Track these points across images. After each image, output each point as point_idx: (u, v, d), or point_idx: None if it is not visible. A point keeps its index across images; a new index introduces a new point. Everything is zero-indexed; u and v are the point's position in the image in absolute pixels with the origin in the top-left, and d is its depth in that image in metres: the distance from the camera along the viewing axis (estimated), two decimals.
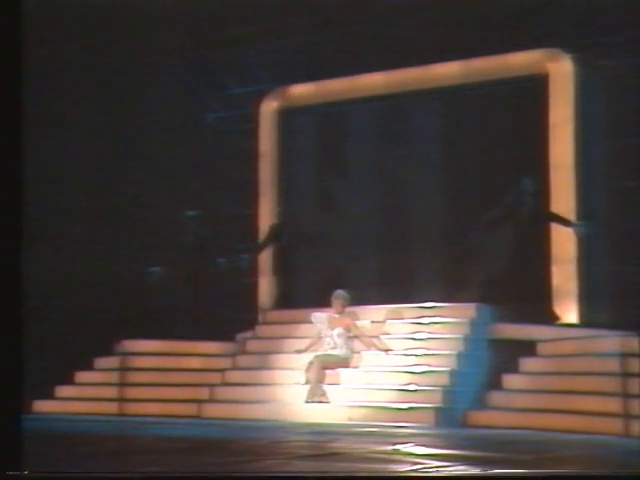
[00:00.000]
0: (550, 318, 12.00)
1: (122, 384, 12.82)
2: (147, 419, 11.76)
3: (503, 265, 12.49)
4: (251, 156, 14.40)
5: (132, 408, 12.48)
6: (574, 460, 7.80)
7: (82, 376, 13.29)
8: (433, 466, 7.03)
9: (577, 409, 10.07)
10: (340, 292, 12.39)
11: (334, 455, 7.87)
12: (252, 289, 14.02)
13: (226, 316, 13.57)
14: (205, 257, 14.71)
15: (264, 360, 12.59)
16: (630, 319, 10.68)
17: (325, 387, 11.64)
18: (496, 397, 10.85)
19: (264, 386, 12.09)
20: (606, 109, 12.44)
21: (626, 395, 9.67)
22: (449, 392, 10.92)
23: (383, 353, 11.84)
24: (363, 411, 11.14)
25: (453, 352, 11.47)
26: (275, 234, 13.90)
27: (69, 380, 13.22)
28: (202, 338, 13.23)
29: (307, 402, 11.52)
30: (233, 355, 12.94)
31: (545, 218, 12.22)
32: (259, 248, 14.02)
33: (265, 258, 13.98)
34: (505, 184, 12.80)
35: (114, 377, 12.93)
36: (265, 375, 12.31)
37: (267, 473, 6.86)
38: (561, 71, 12.48)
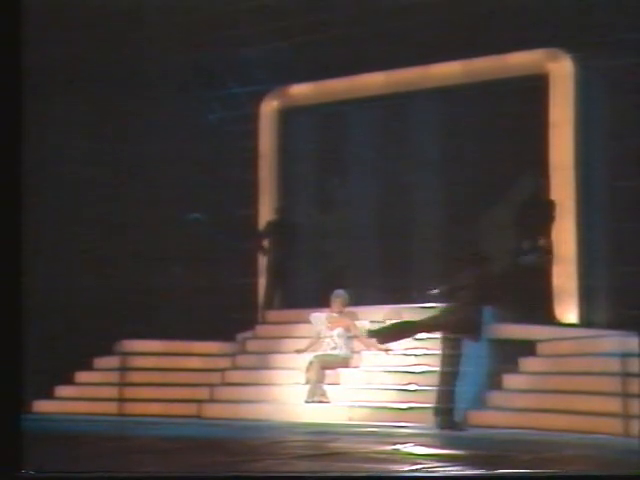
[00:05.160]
0: (550, 318, 11.99)
1: (122, 384, 12.81)
2: (147, 419, 11.76)
3: (503, 265, 12.49)
4: (251, 156, 14.39)
5: (132, 408, 12.48)
6: (574, 460, 7.81)
7: (82, 376, 13.29)
8: (433, 466, 7.03)
9: (577, 409, 10.07)
10: (339, 292, 12.39)
11: (334, 455, 7.88)
12: (252, 289, 14.01)
13: (226, 316, 13.56)
14: (205, 257, 14.70)
15: (264, 360, 12.59)
16: (630, 319, 10.68)
17: (325, 387, 11.65)
18: (496, 397, 10.86)
19: (264, 386, 12.09)
20: (606, 109, 12.43)
21: (626, 395, 9.69)
22: None
23: (383, 353, 11.85)
24: (363, 411, 11.15)
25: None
26: (274, 228, 13.83)
27: (69, 380, 13.22)
28: (202, 338, 13.22)
29: (307, 402, 11.52)
30: (233, 355, 12.94)
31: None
32: (258, 237, 13.97)
33: (265, 258, 13.96)
34: (505, 184, 12.80)
35: (114, 377, 12.92)
36: (265, 375, 12.32)
37: (267, 473, 6.87)
38: (561, 71, 12.47)
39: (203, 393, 12.41)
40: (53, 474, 6.34)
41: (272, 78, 14.37)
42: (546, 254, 12.04)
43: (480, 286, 10.62)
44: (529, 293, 11.92)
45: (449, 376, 10.47)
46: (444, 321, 10.66)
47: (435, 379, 11.12)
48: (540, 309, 11.92)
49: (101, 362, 13.35)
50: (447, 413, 10.41)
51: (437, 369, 10.86)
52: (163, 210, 14.48)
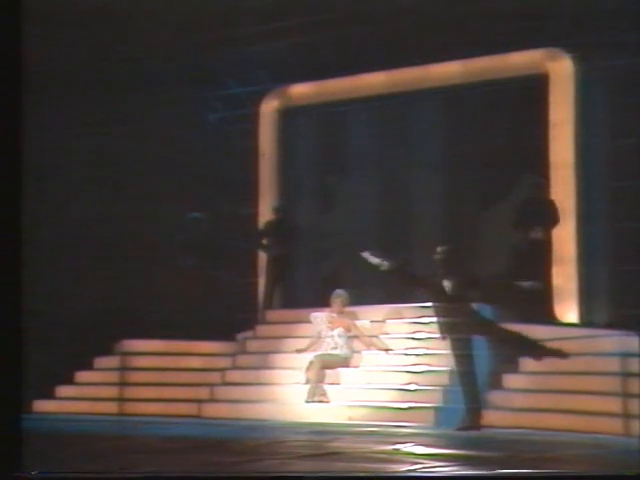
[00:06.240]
0: (550, 318, 11.99)
1: (122, 384, 12.82)
2: (147, 419, 11.76)
3: (504, 264, 12.50)
4: (251, 156, 14.40)
5: (132, 408, 12.48)
6: (574, 460, 7.81)
7: (82, 376, 13.29)
8: (433, 466, 7.03)
9: (577, 408, 10.07)
10: (340, 292, 12.39)
11: (334, 455, 7.88)
12: (252, 289, 14.01)
13: (226, 316, 13.56)
14: (205, 257, 14.71)
15: (264, 360, 12.59)
16: (630, 319, 10.68)
17: (325, 387, 11.65)
18: (496, 397, 10.85)
19: (264, 386, 12.09)
20: (606, 109, 12.44)
21: (626, 395, 9.68)
22: (449, 391, 10.92)
23: (383, 353, 11.85)
24: (363, 410, 11.14)
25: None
26: (274, 228, 13.83)
27: (69, 380, 13.22)
28: (202, 338, 13.23)
29: (307, 402, 11.53)
30: (233, 355, 12.94)
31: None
32: (258, 237, 13.97)
33: (265, 258, 13.96)
34: (505, 184, 12.81)
35: (114, 377, 12.93)
36: (265, 375, 12.32)
37: (267, 473, 6.87)
38: (561, 71, 12.48)
39: (203, 393, 12.41)
40: (53, 474, 6.34)
41: (272, 78, 14.38)
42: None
43: (460, 285, 10.64)
44: (528, 292, 11.91)
45: (463, 376, 10.48)
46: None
47: (435, 379, 11.16)
48: (540, 308, 11.93)
49: (101, 362, 13.35)
50: (474, 413, 10.39)
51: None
52: (163, 210, 14.48)
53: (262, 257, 14.01)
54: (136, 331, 13.16)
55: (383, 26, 13.11)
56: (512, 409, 10.63)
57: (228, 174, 14.74)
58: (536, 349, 10.92)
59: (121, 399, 12.68)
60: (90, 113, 14.19)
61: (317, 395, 11.55)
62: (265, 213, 14.21)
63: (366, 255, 11.02)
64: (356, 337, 12.10)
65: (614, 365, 9.96)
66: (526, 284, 10.66)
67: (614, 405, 9.74)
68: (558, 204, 12.18)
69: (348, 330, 12.08)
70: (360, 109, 14.11)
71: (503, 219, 12.61)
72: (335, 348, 11.99)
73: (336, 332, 12.05)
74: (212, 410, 12.10)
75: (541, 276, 12.00)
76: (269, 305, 13.66)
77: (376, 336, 12.07)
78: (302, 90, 14.32)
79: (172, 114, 14.57)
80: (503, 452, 8.10)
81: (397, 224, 13.67)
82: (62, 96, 13.59)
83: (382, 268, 10.97)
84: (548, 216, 12.15)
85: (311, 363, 11.78)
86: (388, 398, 11.22)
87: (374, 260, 10.97)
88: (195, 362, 13.01)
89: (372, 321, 12.30)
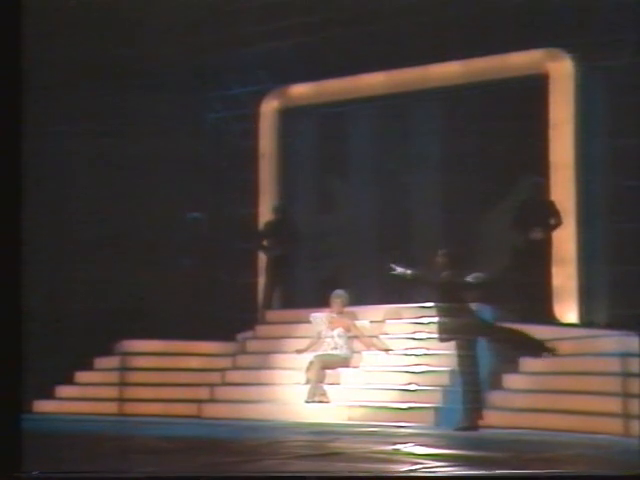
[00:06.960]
0: (550, 318, 11.99)
1: (122, 384, 12.82)
2: (147, 419, 11.76)
3: (503, 265, 12.49)
4: (251, 156, 14.40)
5: (132, 408, 12.48)
6: (574, 460, 7.81)
7: (82, 376, 13.29)
8: (433, 466, 7.03)
9: (577, 409, 10.07)
10: (339, 292, 12.39)
11: (334, 455, 7.88)
12: (252, 289, 14.01)
13: (226, 316, 13.56)
14: (205, 257, 14.70)
15: (264, 360, 12.59)
16: (630, 319, 10.68)
17: (325, 387, 11.65)
18: (496, 397, 10.85)
19: (264, 386, 12.09)
20: (606, 109, 12.44)
21: (626, 395, 9.68)
22: (449, 392, 10.93)
23: (383, 353, 11.85)
24: (363, 411, 11.14)
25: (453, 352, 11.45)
26: (274, 228, 13.82)
27: (69, 380, 13.22)
28: (202, 338, 13.23)
29: (307, 402, 11.52)
30: (233, 355, 12.94)
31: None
32: (258, 237, 13.96)
33: (265, 258, 13.96)
34: (505, 184, 12.81)
35: (114, 377, 12.92)
36: (265, 375, 12.32)
37: (267, 473, 6.87)
38: (561, 71, 12.48)
39: (203, 393, 12.41)
40: (53, 474, 6.34)
41: (272, 78, 14.37)
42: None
43: (458, 286, 10.64)
44: (528, 292, 11.92)
45: (465, 377, 10.49)
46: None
47: (435, 379, 11.16)
48: (540, 308, 11.93)
49: (101, 362, 13.35)
50: (473, 413, 10.40)
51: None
52: (163, 210, 14.48)
53: (262, 257, 14.01)
54: (136, 331, 13.16)
55: (383, 26, 13.11)
56: (512, 409, 10.62)
57: (228, 174, 14.74)
58: (538, 349, 10.93)
59: (121, 399, 12.68)
60: (90, 113, 14.18)
61: (317, 395, 11.55)
62: (265, 213, 14.20)
63: (391, 267, 11.04)
64: (356, 337, 12.10)
65: (614, 365, 9.97)
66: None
67: (614, 405, 9.74)
68: (558, 204, 12.17)
69: (348, 330, 12.08)
70: (360, 109, 14.10)
71: (503, 219, 12.60)
72: (335, 348, 11.99)
73: (336, 332, 12.05)
74: (212, 410, 12.10)
75: (541, 276, 12.02)
76: (269, 305, 13.66)
77: (376, 336, 12.07)
78: (302, 90, 14.32)
79: (172, 114, 14.57)
80: (503, 452, 8.10)
81: (397, 224, 13.66)
82: (62, 96, 13.58)
83: (407, 277, 10.99)
84: (548, 216, 12.14)
85: (311, 363, 11.78)
86: (388, 398, 11.22)
87: (398, 270, 11.00)
88: (195, 362, 13.01)
89: (372, 321, 12.30)
